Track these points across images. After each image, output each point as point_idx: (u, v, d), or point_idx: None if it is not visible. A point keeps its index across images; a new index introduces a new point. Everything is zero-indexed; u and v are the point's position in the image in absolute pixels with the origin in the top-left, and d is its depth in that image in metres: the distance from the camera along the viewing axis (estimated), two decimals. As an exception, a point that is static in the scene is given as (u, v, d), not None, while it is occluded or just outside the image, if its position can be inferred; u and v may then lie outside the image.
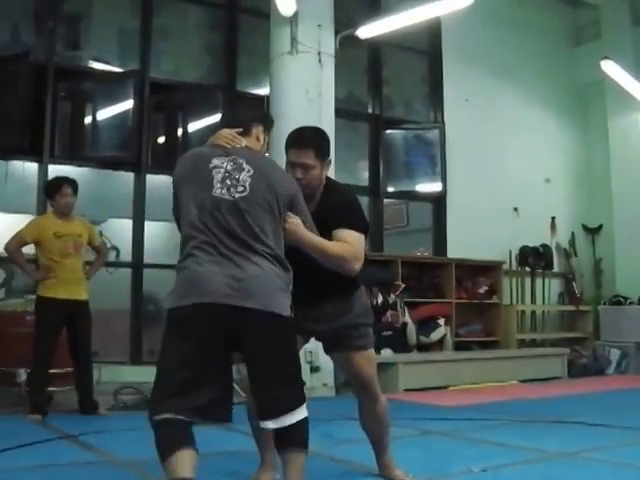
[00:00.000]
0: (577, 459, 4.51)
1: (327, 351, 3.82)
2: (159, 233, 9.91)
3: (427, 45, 11.22)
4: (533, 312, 11.41)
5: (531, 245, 11.21)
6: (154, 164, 9.02)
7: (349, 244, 3.41)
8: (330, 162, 3.63)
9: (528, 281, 11.33)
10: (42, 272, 6.22)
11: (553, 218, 11.72)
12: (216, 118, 9.23)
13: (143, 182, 8.93)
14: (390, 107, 10.97)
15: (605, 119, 11.94)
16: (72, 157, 8.59)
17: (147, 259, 8.94)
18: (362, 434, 3.91)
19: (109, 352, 8.24)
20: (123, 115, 8.82)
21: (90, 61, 9.00)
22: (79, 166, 8.52)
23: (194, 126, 9.24)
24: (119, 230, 9.20)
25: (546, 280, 11.49)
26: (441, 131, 10.77)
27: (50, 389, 6.34)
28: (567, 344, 10.77)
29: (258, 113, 3.51)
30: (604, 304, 11.40)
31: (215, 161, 3.12)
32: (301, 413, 3.07)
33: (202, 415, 2.96)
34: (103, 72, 8.98)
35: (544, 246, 11.38)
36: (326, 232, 3.40)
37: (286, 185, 3.22)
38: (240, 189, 3.05)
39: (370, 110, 10.65)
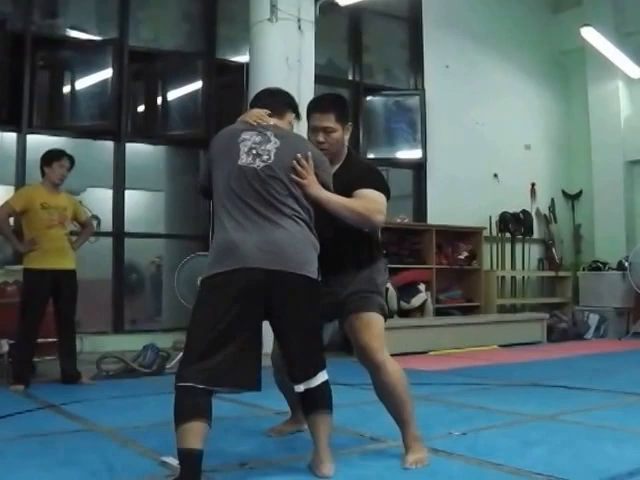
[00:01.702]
0: (555, 422, 4.57)
1: (336, 323, 3.75)
2: (139, 202, 9.89)
3: (407, 12, 11.18)
4: (513, 278, 11.50)
5: (511, 211, 11.26)
6: (134, 133, 9.01)
7: (369, 199, 3.48)
8: (350, 127, 3.72)
9: (508, 247, 11.40)
10: (27, 244, 6.15)
11: (533, 184, 11.78)
12: (196, 86, 9.20)
13: (123, 151, 8.89)
14: (370, 74, 10.95)
15: (585, 86, 11.98)
16: (51, 126, 8.55)
17: (128, 228, 8.93)
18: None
19: (91, 322, 8.26)
20: (102, 84, 8.76)
21: (68, 29, 8.92)
22: (58, 135, 8.48)
23: (174, 94, 9.20)
24: (99, 199, 9.17)
25: (526, 246, 11.57)
26: (421, 98, 10.76)
27: (34, 359, 6.33)
28: (546, 309, 10.87)
29: (293, 102, 3.62)
30: (583, 270, 11.50)
31: (244, 135, 3.28)
32: (324, 375, 3.22)
33: (229, 383, 3.04)
34: (81, 41, 8.91)
35: (524, 212, 11.43)
36: (348, 194, 3.47)
37: (311, 152, 3.34)
38: (265, 158, 3.20)
39: (350, 77, 10.64)
